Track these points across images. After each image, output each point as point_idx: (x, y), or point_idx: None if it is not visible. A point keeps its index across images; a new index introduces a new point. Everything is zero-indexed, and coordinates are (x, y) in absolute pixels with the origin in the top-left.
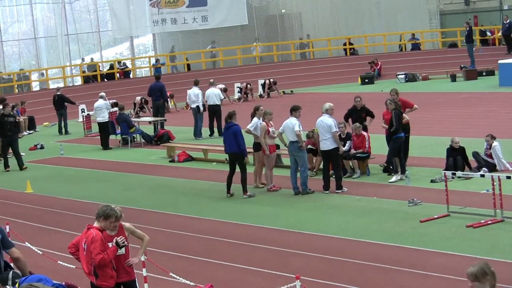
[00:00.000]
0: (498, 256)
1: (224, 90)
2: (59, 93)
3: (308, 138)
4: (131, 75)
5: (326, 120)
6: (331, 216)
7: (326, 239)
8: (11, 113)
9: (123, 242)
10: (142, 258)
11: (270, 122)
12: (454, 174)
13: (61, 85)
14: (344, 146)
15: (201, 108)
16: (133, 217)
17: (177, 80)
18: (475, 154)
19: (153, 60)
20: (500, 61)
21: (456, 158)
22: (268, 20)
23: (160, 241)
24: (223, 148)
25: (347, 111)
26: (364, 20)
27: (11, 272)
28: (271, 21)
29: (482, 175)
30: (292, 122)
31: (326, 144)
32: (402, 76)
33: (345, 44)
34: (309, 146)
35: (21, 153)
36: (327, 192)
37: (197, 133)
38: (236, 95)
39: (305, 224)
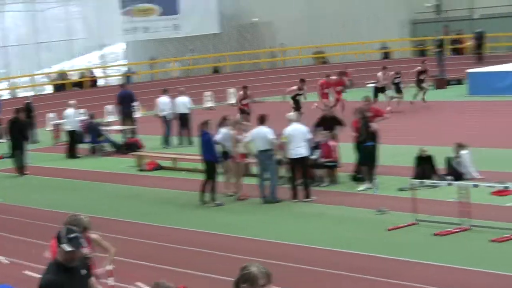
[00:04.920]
0: (466, 264)
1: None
2: (28, 101)
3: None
4: (100, 83)
5: (301, 127)
6: (300, 224)
7: (295, 248)
8: None
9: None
10: (110, 268)
11: (241, 130)
12: (422, 182)
13: (31, 93)
14: (313, 154)
15: (170, 117)
16: (101, 227)
17: (150, 89)
18: (447, 160)
19: (124, 69)
20: (469, 70)
21: (424, 167)
22: (240, 29)
23: (128, 250)
24: (192, 157)
25: (317, 119)
26: (336, 29)
27: None
28: (243, 29)
29: (450, 184)
30: (264, 130)
31: (300, 151)
32: (373, 85)
33: (316, 53)
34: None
35: None
36: (295, 201)
37: (166, 142)
38: (205, 103)
39: (274, 233)
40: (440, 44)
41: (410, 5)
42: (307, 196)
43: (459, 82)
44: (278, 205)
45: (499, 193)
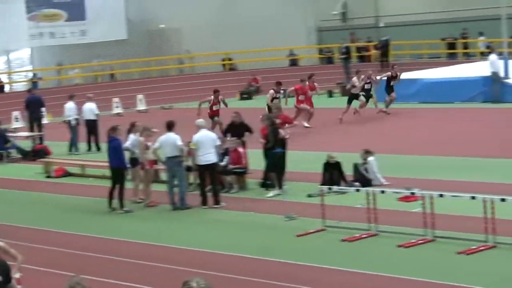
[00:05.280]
0: (373, 270)
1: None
2: None
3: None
4: (6, 89)
5: (210, 134)
6: (209, 231)
7: (205, 254)
8: None
9: None
10: (17, 275)
11: (149, 137)
12: (330, 189)
13: None
14: (222, 161)
15: (76, 122)
16: (8, 234)
17: (57, 95)
18: (355, 166)
19: (30, 74)
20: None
21: (332, 173)
22: (148, 35)
23: (36, 258)
24: (100, 164)
25: (225, 126)
26: (244, 35)
27: None
28: (151, 36)
29: (357, 190)
30: (173, 137)
31: (210, 157)
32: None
33: (224, 59)
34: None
35: None
36: (205, 207)
37: (73, 148)
38: (115, 109)
39: (183, 239)
40: (346, 52)
41: (317, 13)
42: (217, 202)
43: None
44: (187, 211)
45: (406, 199)
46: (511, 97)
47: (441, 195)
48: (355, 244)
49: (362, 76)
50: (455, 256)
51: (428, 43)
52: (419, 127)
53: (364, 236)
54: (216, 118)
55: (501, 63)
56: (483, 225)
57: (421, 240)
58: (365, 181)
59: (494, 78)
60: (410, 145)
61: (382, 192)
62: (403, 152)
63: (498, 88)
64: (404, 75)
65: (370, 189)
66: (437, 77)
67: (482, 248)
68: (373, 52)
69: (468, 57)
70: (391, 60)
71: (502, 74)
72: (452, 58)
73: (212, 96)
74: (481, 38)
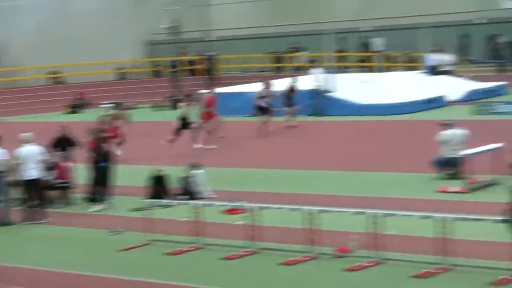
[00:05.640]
0: (198, 282)
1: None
2: None
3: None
4: None
5: (34, 148)
6: (33, 247)
7: (27, 271)
8: None
9: None
10: None
11: None
12: (156, 202)
13: None
14: (49, 175)
15: None
16: None
17: None
18: (181, 180)
19: None
20: (201, 91)
21: (159, 187)
22: None
23: None
24: None
25: (52, 140)
26: (74, 49)
27: None
28: None
29: (184, 203)
30: None
31: (32, 173)
32: (108, 105)
33: (52, 73)
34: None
35: None
36: (29, 223)
37: None
38: None
39: (6, 255)
40: (175, 65)
41: (147, 26)
42: (41, 218)
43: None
44: (11, 227)
45: (231, 211)
46: (336, 110)
47: (264, 207)
48: (180, 257)
49: (268, 88)
50: (277, 267)
51: (256, 57)
52: (249, 139)
53: (189, 249)
54: None
55: (325, 77)
56: (306, 236)
57: (245, 252)
58: (192, 194)
59: (318, 92)
60: (240, 158)
61: (208, 205)
62: (232, 165)
63: (323, 102)
64: (233, 89)
65: (195, 202)
66: None
67: (303, 259)
68: (201, 66)
69: (295, 71)
70: (221, 74)
71: (325, 87)
72: (279, 72)
73: None
74: (305, 52)
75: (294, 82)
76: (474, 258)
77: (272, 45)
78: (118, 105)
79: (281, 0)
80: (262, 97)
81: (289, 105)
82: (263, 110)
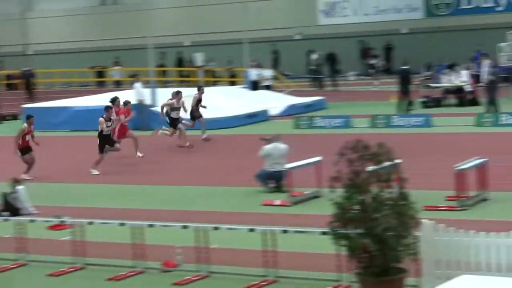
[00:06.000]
0: None
1: None
2: None
3: None
4: None
5: None
6: None
7: None
8: None
9: None
10: None
11: None
12: None
13: None
14: None
15: None
16: None
17: None
18: (3, 196)
19: None
20: (24, 106)
21: None
22: None
23: None
24: None
25: None
26: None
27: None
28: None
29: (6, 219)
30: None
31: None
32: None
33: None
34: None
35: None
36: None
37: None
38: None
39: None
40: None
41: None
42: None
43: (15, 117)
44: None
45: (56, 227)
46: (158, 124)
47: (90, 223)
48: (2, 275)
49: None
50: (104, 282)
51: (79, 71)
52: (72, 154)
53: (13, 266)
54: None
55: (146, 91)
56: (133, 250)
57: (71, 268)
58: (14, 211)
59: (140, 106)
60: (62, 173)
61: (32, 221)
62: (54, 179)
63: (146, 116)
64: (54, 103)
65: (19, 218)
66: (86, 105)
67: (130, 274)
68: (19, 81)
69: (116, 86)
70: (42, 88)
71: (147, 102)
72: (101, 86)
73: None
74: (116, 67)
75: (201, 93)
76: (301, 270)
77: (96, 59)
78: None
79: (103, 14)
80: (174, 108)
81: (198, 117)
82: (173, 122)
